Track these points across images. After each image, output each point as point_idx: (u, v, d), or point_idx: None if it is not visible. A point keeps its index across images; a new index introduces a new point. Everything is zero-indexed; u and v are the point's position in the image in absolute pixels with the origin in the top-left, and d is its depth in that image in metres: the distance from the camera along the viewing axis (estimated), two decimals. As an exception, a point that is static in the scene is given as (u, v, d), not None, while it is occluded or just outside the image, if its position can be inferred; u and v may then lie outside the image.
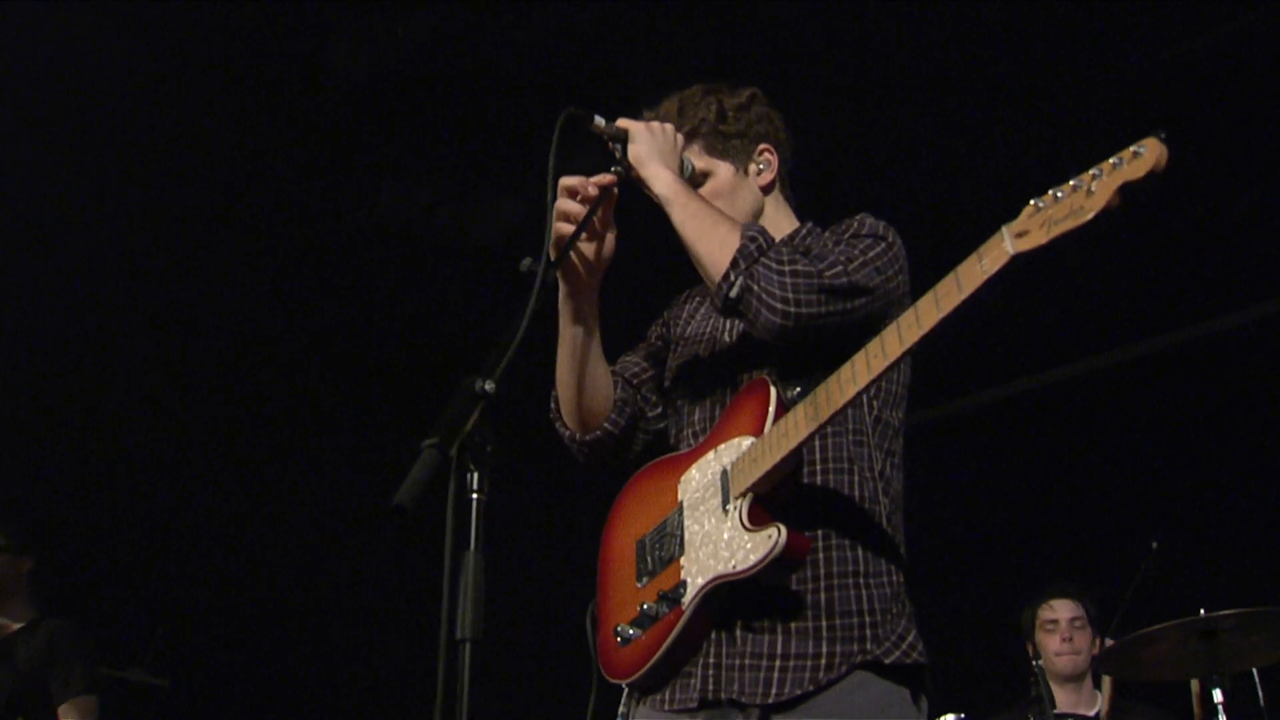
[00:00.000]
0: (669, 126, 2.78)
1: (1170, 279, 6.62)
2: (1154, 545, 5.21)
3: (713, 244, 2.58)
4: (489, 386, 2.07)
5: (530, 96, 5.73)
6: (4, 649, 5.33)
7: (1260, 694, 4.58)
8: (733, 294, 2.52)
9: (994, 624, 5.66)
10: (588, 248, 2.72)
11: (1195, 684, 4.77)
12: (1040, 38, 5.59)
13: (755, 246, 2.54)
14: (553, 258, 2.55)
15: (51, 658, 5.29)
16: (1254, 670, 4.60)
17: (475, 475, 2.00)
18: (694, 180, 2.82)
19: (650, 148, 2.70)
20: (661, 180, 2.66)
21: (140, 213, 6.40)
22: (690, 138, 2.87)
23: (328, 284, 7.02)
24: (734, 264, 2.53)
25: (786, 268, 2.50)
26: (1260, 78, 5.66)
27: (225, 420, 7.38)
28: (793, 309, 2.47)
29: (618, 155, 2.70)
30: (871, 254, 2.60)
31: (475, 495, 1.99)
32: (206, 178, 6.37)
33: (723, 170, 2.88)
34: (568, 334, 2.79)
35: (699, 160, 2.86)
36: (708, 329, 2.86)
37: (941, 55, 5.64)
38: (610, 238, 2.75)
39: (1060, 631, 5.29)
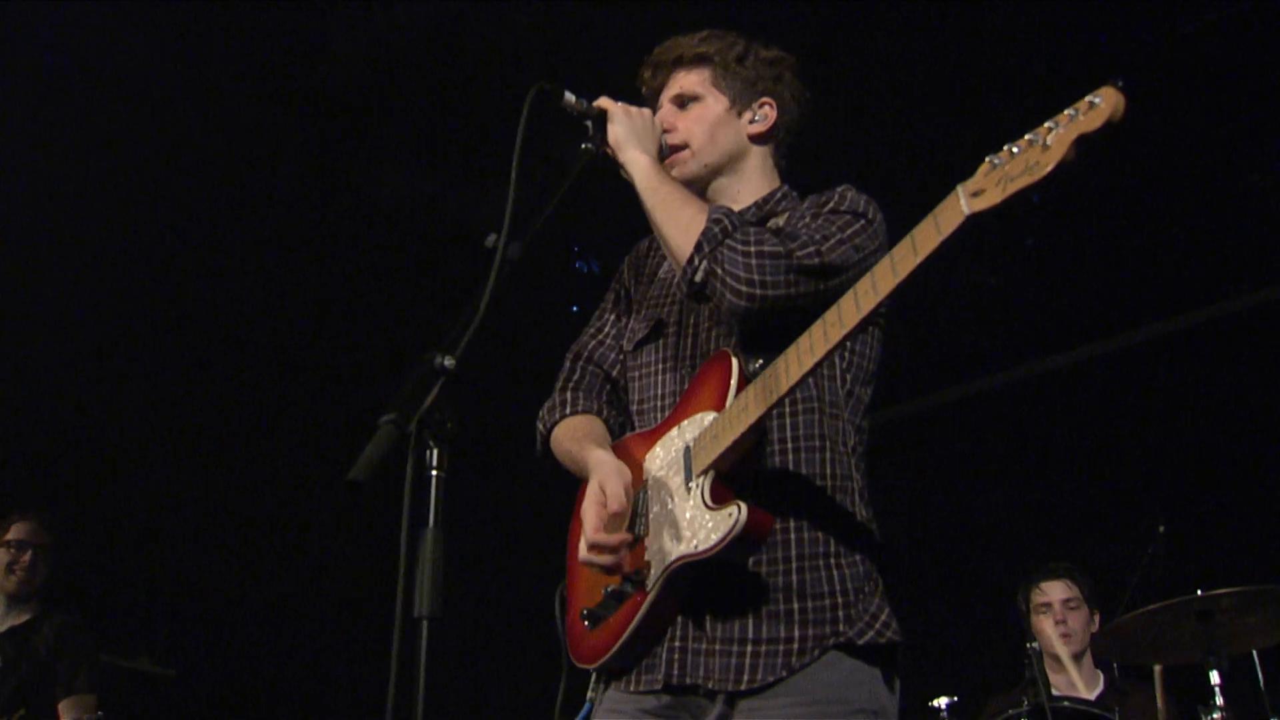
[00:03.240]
0: (646, 110, 2.76)
1: (1170, 265, 6.59)
2: (1160, 529, 5.16)
3: (679, 228, 2.55)
4: (449, 362, 2.04)
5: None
6: (15, 641, 5.36)
7: (1260, 677, 4.53)
8: (697, 278, 2.49)
9: (991, 607, 5.62)
10: None
11: (1158, 669, 4.72)
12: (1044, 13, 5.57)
13: (720, 229, 2.49)
14: None
15: (59, 652, 5.32)
16: (1254, 653, 4.55)
17: (435, 452, 1.98)
18: (681, 101, 2.83)
19: (628, 130, 2.67)
20: (637, 165, 2.65)
21: (139, 198, 6.39)
22: (700, 62, 2.86)
23: (330, 269, 7.01)
24: (698, 248, 2.49)
25: (753, 249, 2.45)
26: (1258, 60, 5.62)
27: (224, 407, 7.39)
28: (758, 290, 2.42)
29: (590, 132, 2.67)
30: (849, 231, 2.54)
31: (434, 472, 1.97)
32: (208, 162, 6.36)
33: (715, 103, 2.83)
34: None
35: (698, 86, 2.84)
36: (671, 292, 2.80)
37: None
38: None
39: (1054, 614, 5.21)
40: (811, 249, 2.47)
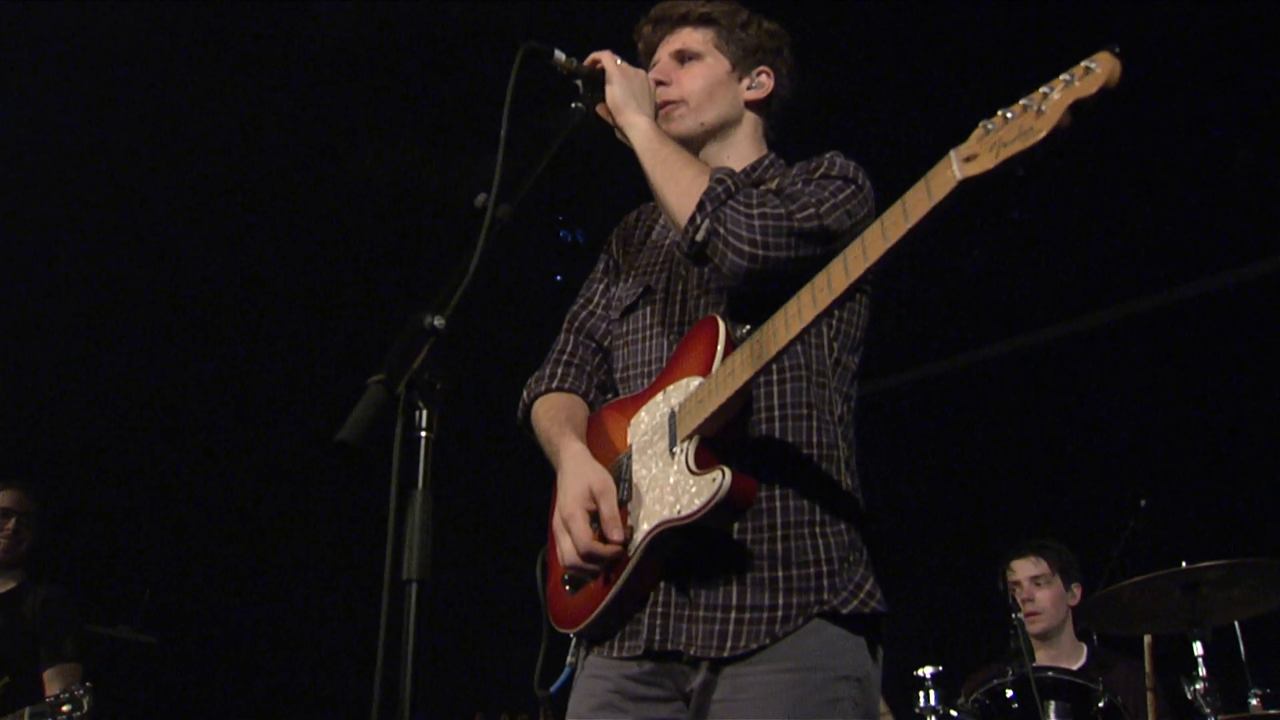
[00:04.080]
0: (641, 71, 2.73)
1: (1155, 240, 6.60)
2: (1143, 503, 5.19)
3: (680, 188, 2.51)
4: (439, 322, 2.01)
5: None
6: (0, 609, 5.35)
7: (1242, 647, 4.56)
8: (698, 237, 2.44)
9: (978, 578, 5.63)
10: None
11: (1148, 639, 4.75)
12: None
13: (723, 189, 2.47)
14: None
15: (45, 622, 5.32)
16: (1236, 623, 4.59)
17: (424, 413, 1.95)
18: (682, 58, 2.82)
19: (626, 92, 2.63)
20: (637, 128, 2.61)
21: (122, 171, 6.36)
22: (705, 22, 2.85)
23: (312, 237, 6.97)
24: (700, 207, 2.45)
25: (755, 210, 2.42)
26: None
27: (208, 373, 7.36)
28: (760, 251, 2.39)
29: (580, 92, 2.62)
30: (841, 196, 2.51)
31: (423, 433, 1.94)
32: (193, 137, 6.32)
33: (718, 62, 2.83)
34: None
35: (701, 45, 2.83)
36: (660, 259, 2.78)
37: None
38: None
39: (1022, 592, 5.25)
40: (811, 211, 2.45)
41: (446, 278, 2.09)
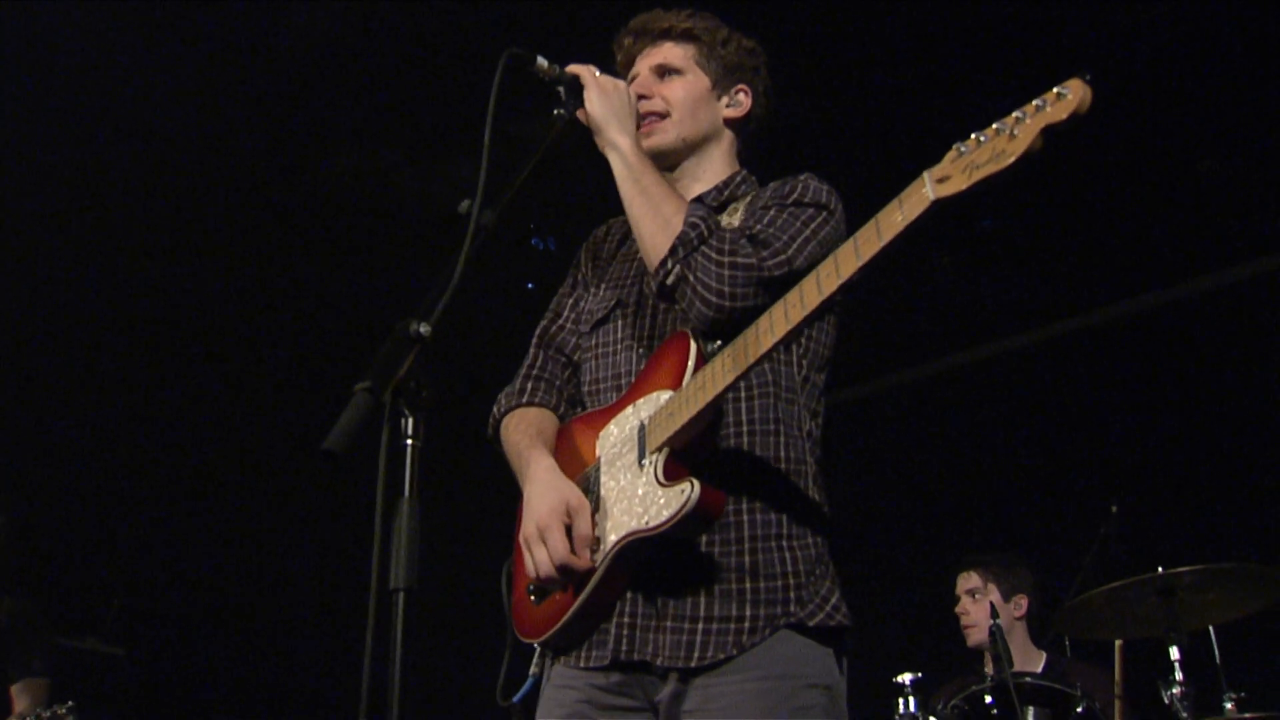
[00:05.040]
0: (621, 84, 2.71)
1: (1123, 248, 6.65)
2: (1113, 509, 5.24)
3: (656, 225, 2.53)
4: (425, 329, 2.01)
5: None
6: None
7: (1216, 652, 4.60)
8: (669, 281, 2.48)
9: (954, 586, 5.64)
10: None
11: (1119, 644, 4.80)
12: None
13: (696, 235, 2.48)
14: None
15: (13, 635, 5.25)
16: (1210, 628, 4.62)
17: (410, 420, 1.94)
18: (662, 71, 2.82)
19: (608, 109, 2.62)
20: (620, 150, 2.61)
21: (95, 179, 6.31)
22: (687, 38, 2.87)
23: (287, 245, 6.94)
24: (673, 251, 2.48)
25: (726, 259, 2.44)
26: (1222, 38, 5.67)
27: (184, 379, 7.29)
28: (727, 303, 2.41)
29: (561, 98, 2.62)
30: (813, 225, 2.54)
31: (410, 441, 1.93)
32: (165, 140, 6.27)
33: (699, 79, 2.84)
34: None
35: (682, 60, 2.84)
36: (631, 272, 2.80)
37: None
38: None
39: (959, 606, 5.37)
40: (782, 258, 2.46)
41: (431, 285, 2.09)
